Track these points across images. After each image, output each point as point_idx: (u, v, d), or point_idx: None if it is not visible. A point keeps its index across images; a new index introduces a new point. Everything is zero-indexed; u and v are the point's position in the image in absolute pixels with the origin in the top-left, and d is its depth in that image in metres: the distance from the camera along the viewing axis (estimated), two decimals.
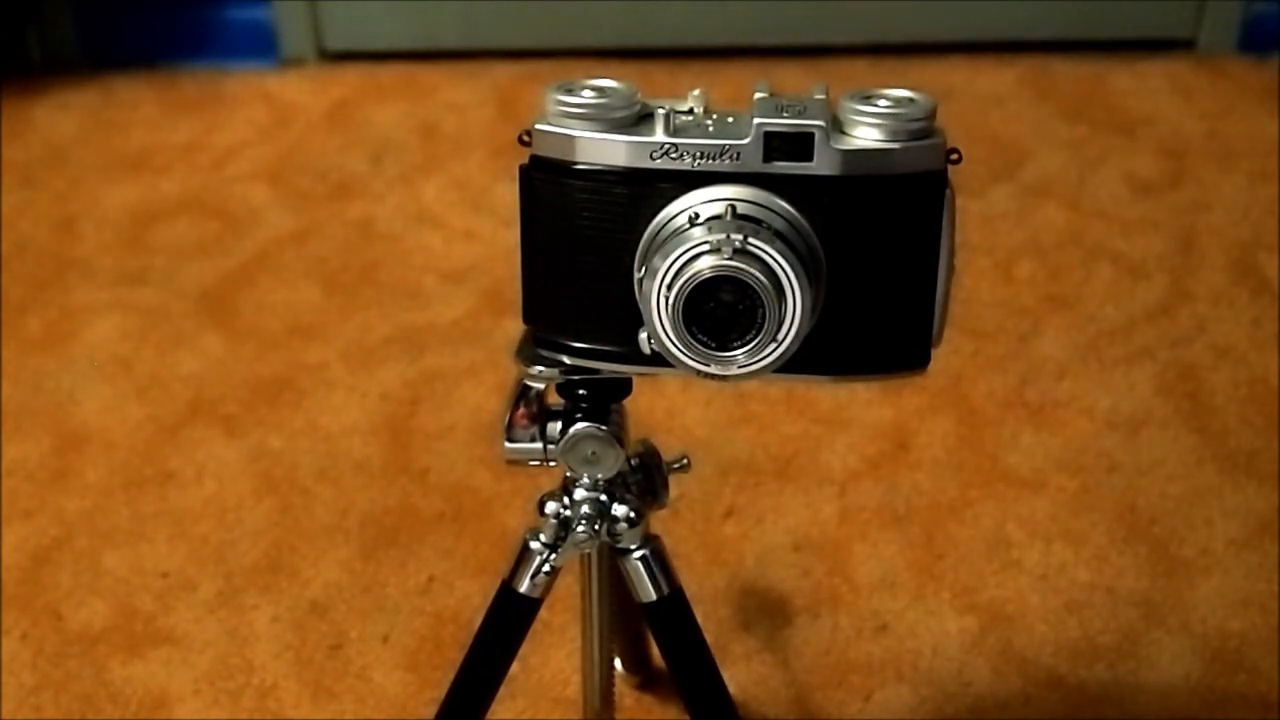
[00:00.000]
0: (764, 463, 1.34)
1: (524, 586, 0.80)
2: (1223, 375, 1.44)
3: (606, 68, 1.81)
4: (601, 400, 0.75)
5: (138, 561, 1.25)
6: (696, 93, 0.66)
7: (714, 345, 0.64)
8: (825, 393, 1.40)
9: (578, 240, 0.67)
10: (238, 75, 2.14)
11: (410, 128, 1.97)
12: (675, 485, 0.82)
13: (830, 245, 0.65)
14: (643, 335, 0.65)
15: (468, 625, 0.96)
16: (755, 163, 0.64)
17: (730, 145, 0.64)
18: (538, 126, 0.66)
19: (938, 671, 1.12)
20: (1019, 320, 1.53)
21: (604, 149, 0.65)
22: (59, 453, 1.38)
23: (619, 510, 0.78)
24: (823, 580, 1.21)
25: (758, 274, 0.61)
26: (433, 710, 0.87)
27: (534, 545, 0.79)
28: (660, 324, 0.63)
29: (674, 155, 0.64)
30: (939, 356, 0.69)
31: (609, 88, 0.66)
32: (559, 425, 0.75)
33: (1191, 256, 1.63)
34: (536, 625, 0.82)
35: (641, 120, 0.65)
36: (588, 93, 0.66)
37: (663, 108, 0.65)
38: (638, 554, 0.79)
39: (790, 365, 0.64)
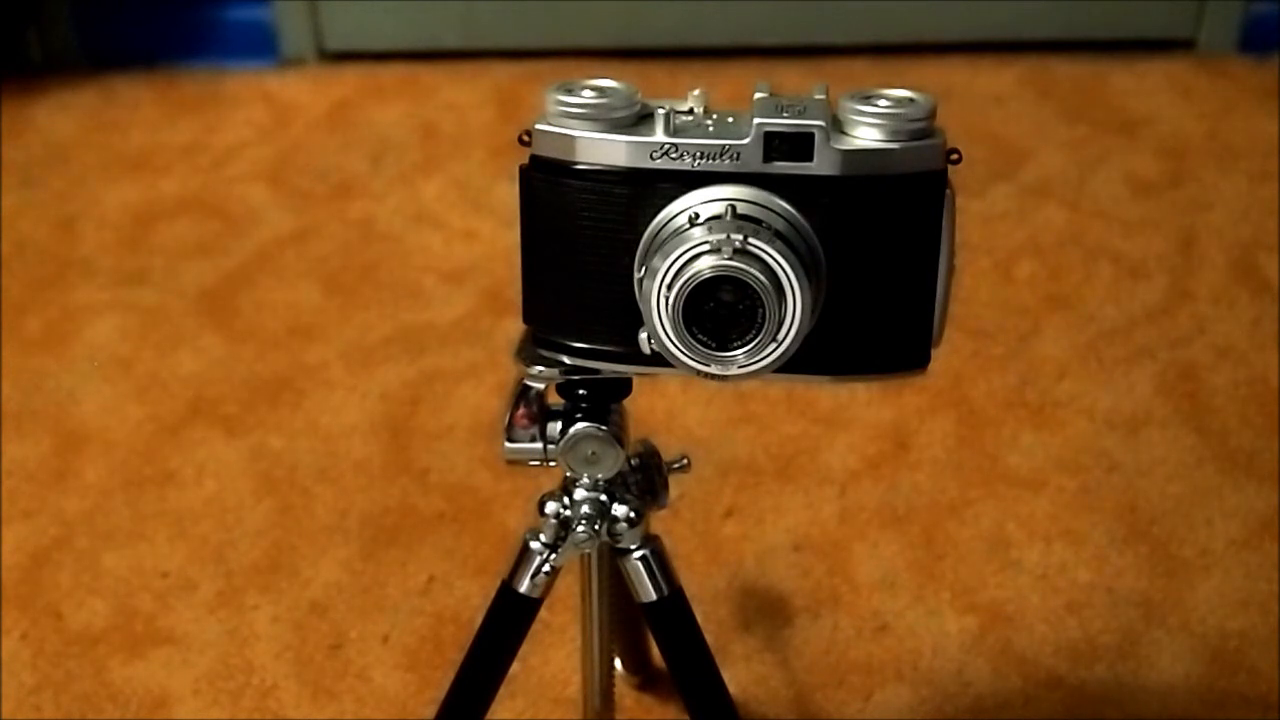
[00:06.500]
0: (764, 463, 1.34)
1: (524, 586, 0.80)
2: (1223, 375, 1.44)
3: (606, 68, 1.81)
4: (601, 400, 0.75)
5: (138, 561, 1.25)
6: (696, 93, 0.66)
7: (714, 345, 0.63)
8: (825, 393, 1.40)
9: (578, 240, 0.67)
10: (238, 75, 2.14)
11: (410, 128, 1.97)
12: (675, 485, 0.82)
13: (830, 245, 0.65)
14: (643, 335, 0.65)
15: (468, 625, 0.96)
16: (755, 163, 0.64)
17: (730, 145, 0.64)
18: (538, 126, 0.66)
19: (938, 671, 1.12)
20: (1019, 320, 1.53)
21: (604, 149, 0.65)
22: (59, 453, 1.38)
23: (619, 510, 0.78)
24: (823, 580, 1.21)
25: (758, 274, 0.61)
26: (433, 710, 0.87)
27: (534, 545, 0.79)
28: (660, 324, 0.63)
29: (674, 155, 0.64)
30: (939, 356, 0.69)
31: (609, 88, 0.66)
32: (559, 425, 0.75)
33: (1191, 256, 1.63)
34: (536, 625, 0.82)
35: (641, 120, 0.65)
36: (588, 93, 0.65)
37: (663, 108, 0.65)
38: (638, 554, 0.79)
39: (790, 365, 0.64)
